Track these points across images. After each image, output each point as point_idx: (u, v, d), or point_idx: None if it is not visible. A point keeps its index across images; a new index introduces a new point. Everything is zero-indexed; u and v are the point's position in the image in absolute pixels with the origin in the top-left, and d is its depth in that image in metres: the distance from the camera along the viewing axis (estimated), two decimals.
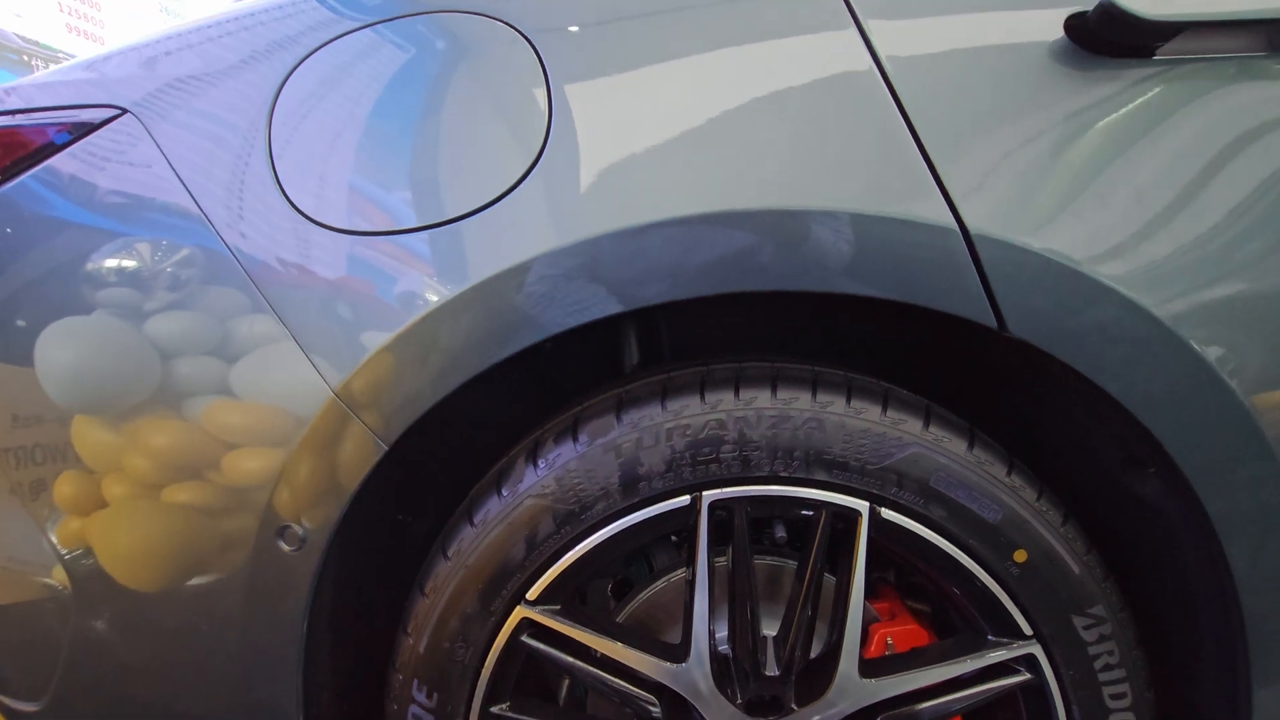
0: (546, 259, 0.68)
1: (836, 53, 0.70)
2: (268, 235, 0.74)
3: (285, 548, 0.74)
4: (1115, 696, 0.76)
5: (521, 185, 0.70)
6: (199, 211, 0.75)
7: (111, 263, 0.76)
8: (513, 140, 0.71)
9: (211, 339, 0.75)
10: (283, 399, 0.73)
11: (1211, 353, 0.67)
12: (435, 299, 0.69)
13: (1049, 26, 0.69)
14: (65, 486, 0.79)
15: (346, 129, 0.74)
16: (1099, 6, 0.67)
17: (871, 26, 0.70)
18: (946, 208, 0.66)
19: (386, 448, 0.72)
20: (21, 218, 0.78)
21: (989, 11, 0.70)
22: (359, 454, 0.72)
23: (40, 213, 0.78)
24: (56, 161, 0.79)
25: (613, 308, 0.70)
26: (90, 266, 0.76)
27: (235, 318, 0.74)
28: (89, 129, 0.78)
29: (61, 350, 0.77)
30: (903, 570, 0.92)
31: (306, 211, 0.73)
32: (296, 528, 0.74)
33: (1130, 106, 0.68)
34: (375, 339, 0.70)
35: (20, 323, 0.78)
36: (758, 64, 0.70)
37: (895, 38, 0.70)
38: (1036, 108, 0.68)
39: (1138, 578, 0.82)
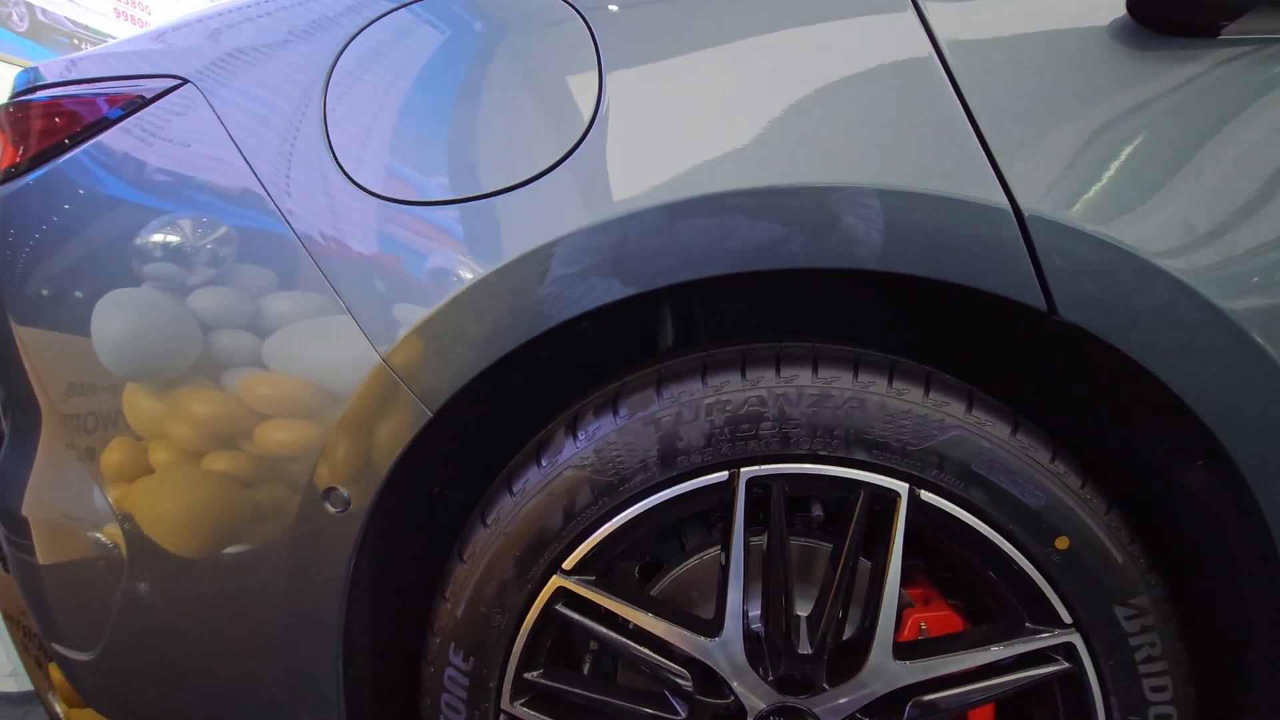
0: (591, 232, 0.69)
1: (894, 32, 0.69)
2: (322, 205, 0.75)
3: (331, 510, 0.76)
4: (1156, 689, 0.74)
5: (574, 155, 0.70)
6: (254, 177, 0.76)
7: (170, 228, 0.79)
8: (567, 109, 0.71)
9: (264, 308, 0.76)
10: (331, 366, 0.75)
11: (1271, 342, 0.66)
12: (482, 269, 0.70)
13: (1111, 4, 0.68)
14: (115, 453, 0.82)
15: (402, 100, 0.75)
16: None
17: (929, 7, 0.69)
18: (1001, 189, 0.65)
19: (431, 414, 0.73)
20: (84, 187, 0.81)
21: None
22: (404, 420, 0.74)
23: (106, 178, 0.81)
24: (121, 128, 0.81)
25: (670, 279, 0.70)
26: (149, 233, 0.79)
27: (288, 285, 0.76)
28: (152, 98, 0.81)
29: (117, 321, 0.79)
30: (934, 563, 0.92)
31: (361, 181, 0.74)
32: (342, 490, 0.76)
33: (1192, 88, 0.66)
34: (423, 307, 0.71)
35: (78, 294, 0.80)
36: (814, 44, 0.70)
37: (953, 17, 0.69)
38: (1095, 88, 0.67)
39: (1183, 572, 0.80)
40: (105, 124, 0.81)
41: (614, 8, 0.73)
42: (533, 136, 0.72)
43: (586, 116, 0.71)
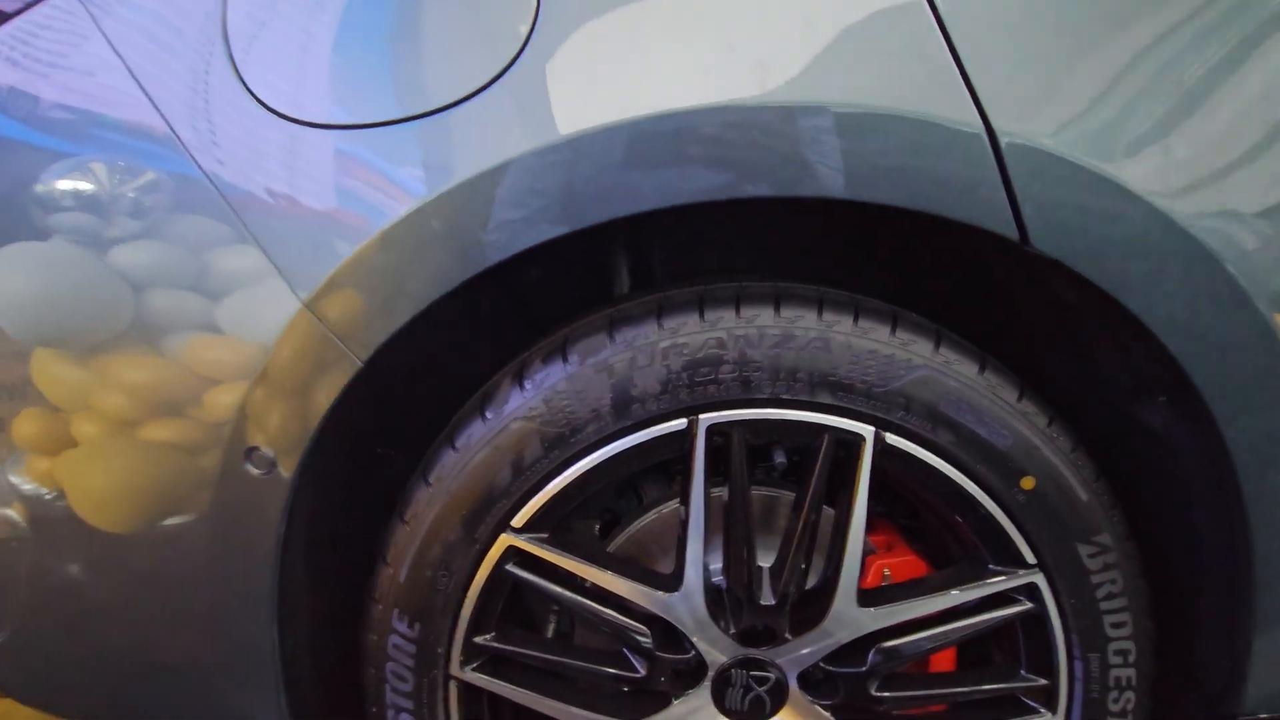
0: (532, 158, 0.62)
1: None
2: (227, 132, 0.67)
3: (254, 472, 0.69)
4: (1116, 625, 0.74)
5: (507, 74, 0.63)
6: (154, 109, 0.67)
7: (63, 173, 0.69)
8: (499, 25, 0.64)
9: (171, 252, 0.68)
10: (248, 315, 0.68)
11: (1241, 271, 0.63)
12: (413, 201, 0.63)
13: None
14: (27, 425, 0.74)
15: (312, 12, 0.66)
16: None
17: None
18: (974, 108, 0.61)
19: (361, 364, 0.67)
20: None
21: None
22: (331, 371, 0.67)
23: None
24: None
25: (603, 215, 0.64)
26: (44, 180, 0.69)
27: (195, 225, 0.68)
28: (14, 11, 0.70)
29: (15, 279, 0.70)
30: (895, 510, 0.90)
31: (270, 104, 0.66)
32: (265, 451, 0.69)
33: (1180, 5, 0.62)
34: (348, 245, 0.64)
35: None
36: None
37: None
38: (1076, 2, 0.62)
39: (1141, 511, 0.80)
40: None
41: None
42: (462, 52, 0.64)
43: (523, 27, 0.63)
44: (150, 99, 0.67)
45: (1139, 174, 0.62)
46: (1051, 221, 0.63)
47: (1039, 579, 0.74)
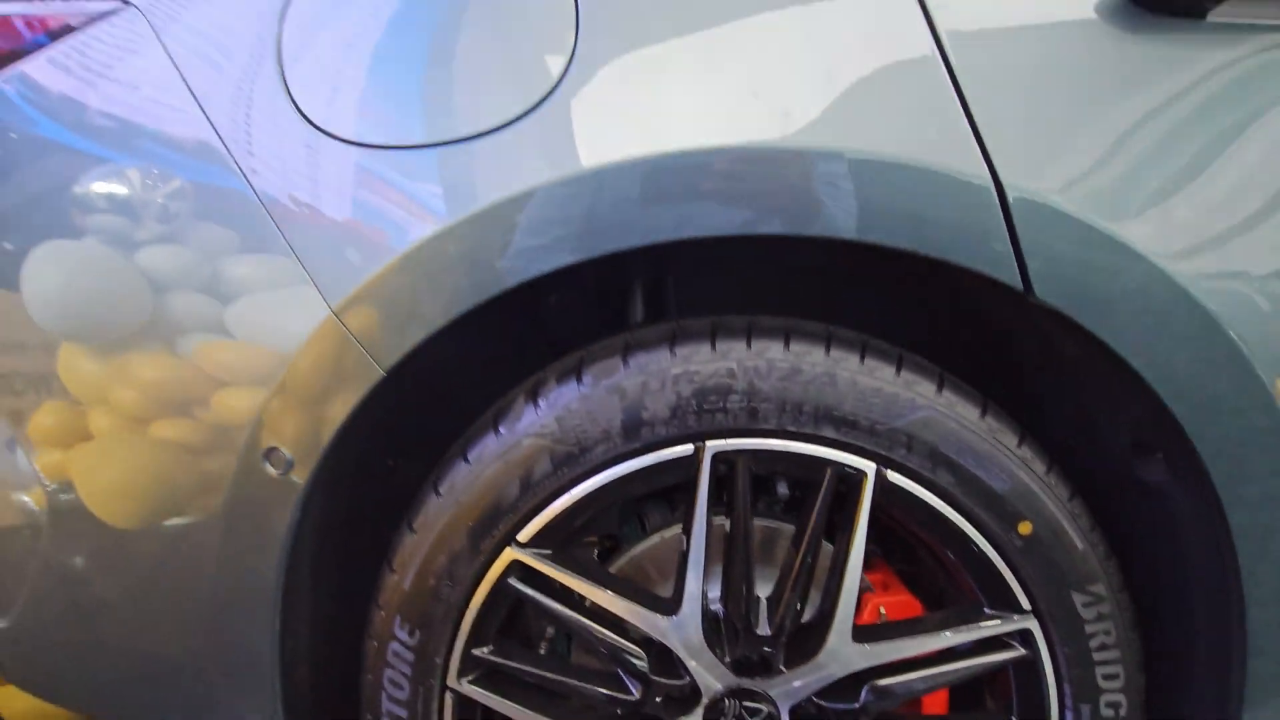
0: (555, 187, 0.65)
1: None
2: (274, 146, 0.70)
3: (271, 472, 0.72)
4: (1108, 677, 0.75)
5: (541, 107, 0.67)
6: (203, 116, 0.71)
7: (113, 177, 0.73)
8: (535, 59, 0.67)
9: (213, 262, 0.71)
10: (278, 318, 0.71)
11: (1242, 335, 0.65)
12: (441, 220, 0.66)
13: None
14: (47, 417, 0.76)
15: (362, 37, 0.70)
16: None
17: None
18: (983, 162, 0.64)
19: (383, 373, 0.69)
20: (10, 127, 0.74)
21: None
22: (354, 378, 0.70)
23: (36, 116, 0.74)
24: (50, 59, 0.75)
25: (620, 244, 0.67)
26: (89, 182, 0.73)
27: (235, 231, 0.71)
28: (80, 24, 0.74)
29: (51, 275, 0.73)
30: (891, 555, 0.91)
31: (317, 122, 0.69)
32: (284, 451, 0.71)
33: (1180, 70, 0.66)
34: (378, 259, 0.67)
35: (6, 245, 0.74)
36: (800, 8, 0.67)
37: None
38: (1083, 64, 0.66)
39: (1135, 570, 0.80)
40: (25, 52, 0.74)
41: None
42: (500, 84, 0.68)
43: (559, 64, 0.67)
44: (203, 111, 0.71)
45: (1142, 233, 0.65)
46: (1055, 274, 0.65)
47: (1033, 625, 0.74)
